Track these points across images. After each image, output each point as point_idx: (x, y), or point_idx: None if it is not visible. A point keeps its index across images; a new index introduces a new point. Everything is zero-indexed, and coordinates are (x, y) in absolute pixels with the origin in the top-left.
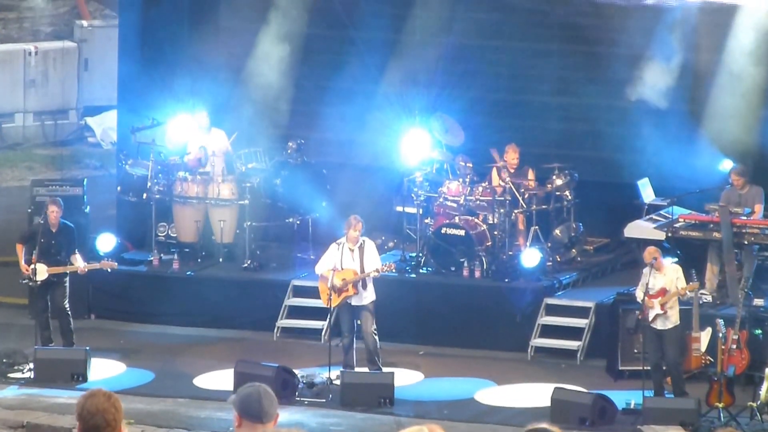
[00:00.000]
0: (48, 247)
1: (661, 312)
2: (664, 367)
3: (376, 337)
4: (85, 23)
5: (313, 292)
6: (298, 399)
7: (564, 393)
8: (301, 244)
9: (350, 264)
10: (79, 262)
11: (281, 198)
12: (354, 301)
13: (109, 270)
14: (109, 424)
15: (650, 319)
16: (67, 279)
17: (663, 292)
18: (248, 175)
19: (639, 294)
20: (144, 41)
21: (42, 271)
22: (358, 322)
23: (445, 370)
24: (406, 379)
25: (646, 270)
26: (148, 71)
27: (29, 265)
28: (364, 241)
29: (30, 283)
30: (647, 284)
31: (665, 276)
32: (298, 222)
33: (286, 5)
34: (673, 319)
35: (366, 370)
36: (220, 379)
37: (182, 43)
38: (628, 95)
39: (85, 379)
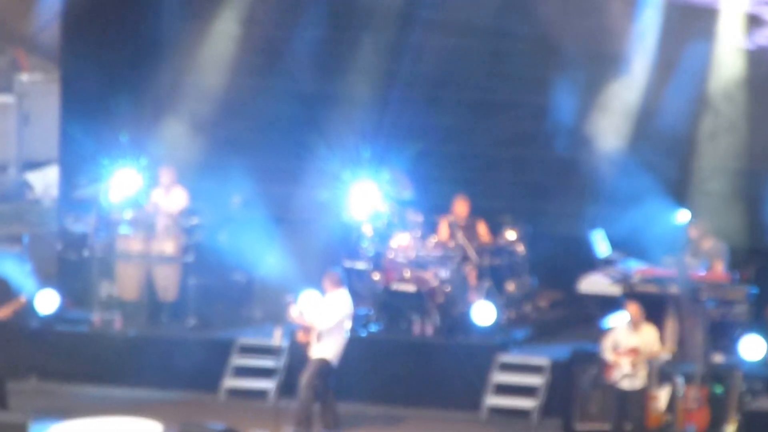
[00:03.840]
0: None
1: (630, 372)
2: (626, 430)
3: (309, 397)
4: (25, 77)
5: (261, 351)
6: None
7: None
8: (248, 301)
9: (320, 312)
10: None
11: (226, 254)
12: (311, 354)
13: (18, 308)
14: None
15: (617, 378)
16: None
17: (635, 351)
18: (192, 231)
19: (607, 352)
20: (86, 95)
21: None
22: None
23: (400, 427)
24: None
25: (616, 326)
26: (91, 125)
27: None
28: (337, 294)
29: None
30: (616, 341)
31: (641, 336)
32: (244, 278)
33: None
34: (641, 379)
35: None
36: None
37: (125, 94)
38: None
39: None
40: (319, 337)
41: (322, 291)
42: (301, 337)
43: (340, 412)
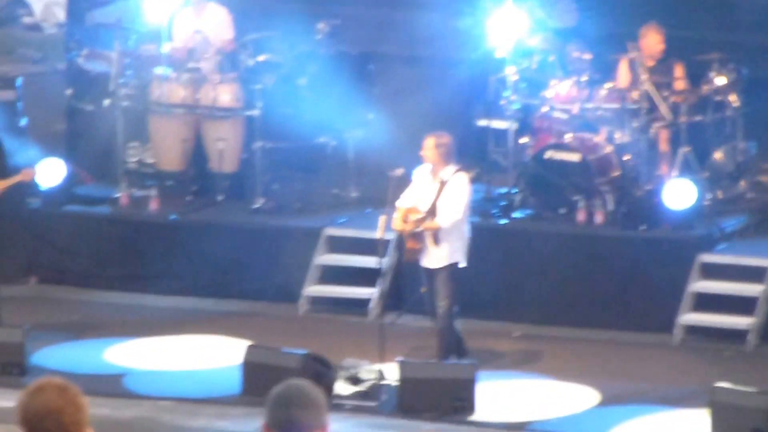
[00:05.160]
0: None
1: None
2: None
3: (452, 315)
4: None
5: (358, 246)
6: (337, 402)
7: (728, 394)
8: (338, 174)
9: (425, 202)
10: None
11: (308, 107)
12: (424, 262)
13: (29, 178)
14: (67, 429)
15: None
16: None
17: None
18: (259, 73)
19: None
20: None
21: None
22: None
23: (550, 360)
24: (493, 374)
25: None
26: None
27: None
28: (453, 172)
29: None
30: None
31: None
32: (333, 143)
33: None
34: None
35: (434, 360)
36: (221, 375)
37: None
38: None
39: (23, 371)
40: (438, 237)
41: (432, 167)
42: (411, 243)
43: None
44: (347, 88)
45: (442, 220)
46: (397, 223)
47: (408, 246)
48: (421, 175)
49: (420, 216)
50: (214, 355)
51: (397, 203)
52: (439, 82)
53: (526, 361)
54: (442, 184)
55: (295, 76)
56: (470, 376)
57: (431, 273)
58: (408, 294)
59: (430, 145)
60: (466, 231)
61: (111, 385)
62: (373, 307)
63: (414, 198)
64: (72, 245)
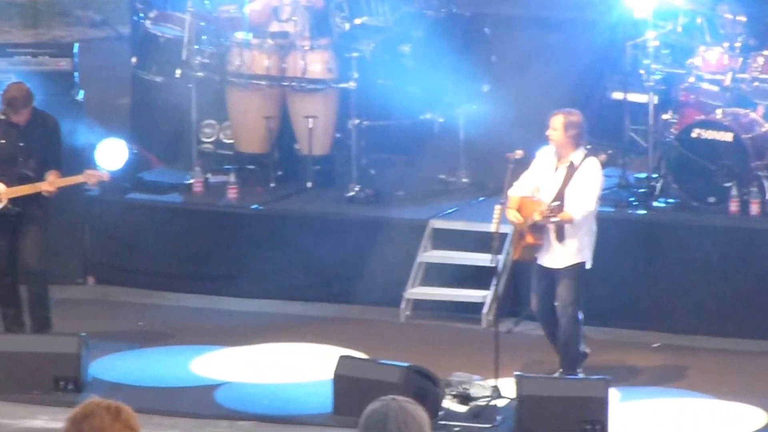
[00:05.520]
0: (9, 156)
1: None
2: None
3: (577, 322)
4: None
5: (468, 241)
6: (444, 423)
7: None
8: (446, 157)
9: (548, 191)
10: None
11: (412, 78)
12: (544, 260)
13: (94, 184)
14: None
15: None
16: (43, 212)
17: None
18: (355, 39)
19: None
20: None
21: (1, 195)
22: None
23: (699, 375)
24: (629, 391)
25: None
26: None
27: None
28: (583, 156)
29: None
30: None
31: None
32: (440, 119)
33: None
34: None
35: (558, 375)
36: (309, 390)
37: None
38: None
39: (79, 387)
40: (564, 232)
41: (558, 149)
42: (531, 238)
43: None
44: (458, 55)
45: (573, 211)
46: (512, 214)
47: (527, 241)
48: (543, 158)
49: (555, 204)
50: (301, 368)
51: (510, 192)
52: (567, 49)
53: (669, 377)
54: (571, 169)
55: (398, 42)
56: (602, 394)
57: (551, 274)
58: (527, 297)
59: (558, 124)
60: (594, 226)
61: (181, 401)
62: (487, 312)
63: (531, 185)
64: (136, 239)
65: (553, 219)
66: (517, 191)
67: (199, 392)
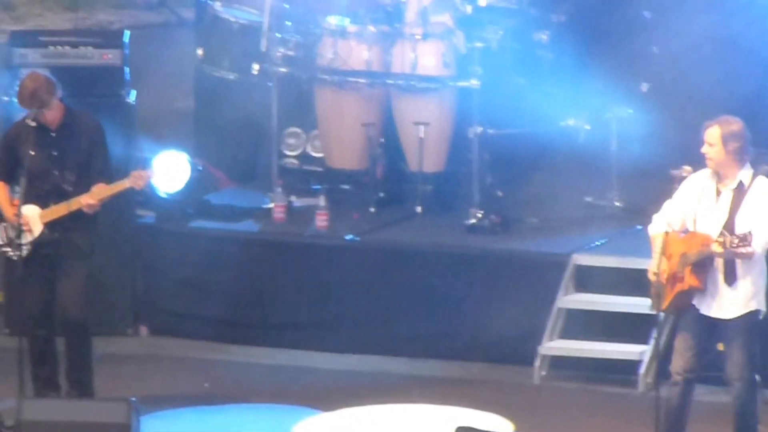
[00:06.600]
0: (42, 169)
1: None
2: None
3: (755, 388)
4: None
5: (620, 280)
6: None
7: None
8: (593, 174)
9: (711, 221)
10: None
11: (550, 75)
12: (710, 310)
13: (140, 187)
14: None
15: None
16: (87, 239)
17: None
18: (479, 25)
19: None
20: None
21: (34, 220)
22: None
23: None
24: None
25: None
26: None
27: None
28: (752, 176)
29: (10, 253)
30: None
31: None
32: (586, 127)
33: None
34: None
35: None
36: None
37: None
38: None
39: None
40: (732, 273)
41: (716, 168)
42: (691, 279)
43: None
44: (610, 46)
45: (753, 243)
46: (658, 260)
47: (688, 284)
48: (696, 182)
49: (745, 233)
50: None
51: (651, 229)
52: (747, 38)
53: None
54: (739, 192)
55: (532, 28)
56: None
57: (716, 326)
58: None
59: (714, 138)
60: (765, 264)
61: None
62: (644, 372)
63: (678, 218)
64: (200, 279)
65: (742, 250)
66: (658, 227)
67: None
